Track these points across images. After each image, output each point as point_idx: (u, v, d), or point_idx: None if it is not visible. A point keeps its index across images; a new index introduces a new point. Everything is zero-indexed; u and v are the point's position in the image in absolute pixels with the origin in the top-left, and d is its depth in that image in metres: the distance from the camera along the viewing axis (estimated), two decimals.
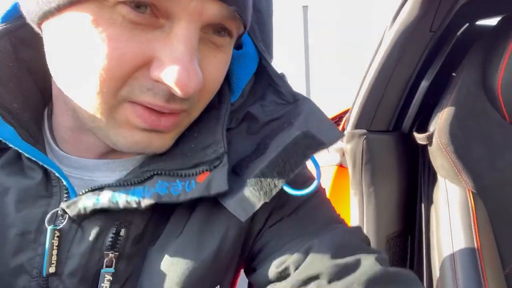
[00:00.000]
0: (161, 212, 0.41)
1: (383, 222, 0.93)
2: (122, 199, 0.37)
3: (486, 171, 0.85)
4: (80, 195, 0.38)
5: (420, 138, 0.87)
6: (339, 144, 0.99)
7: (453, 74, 0.92)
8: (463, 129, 0.86)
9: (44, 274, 0.37)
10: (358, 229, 0.45)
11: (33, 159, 0.38)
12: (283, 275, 0.40)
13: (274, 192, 0.38)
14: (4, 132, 0.37)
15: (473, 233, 0.78)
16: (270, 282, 0.41)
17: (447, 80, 0.92)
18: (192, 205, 0.41)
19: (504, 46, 0.84)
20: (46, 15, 0.34)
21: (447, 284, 0.77)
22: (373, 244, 0.93)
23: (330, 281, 0.37)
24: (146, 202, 0.37)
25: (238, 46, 0.46)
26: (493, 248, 0.80)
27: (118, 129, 0.36)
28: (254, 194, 0.37)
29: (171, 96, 0.34)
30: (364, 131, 0.92)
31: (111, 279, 0.38)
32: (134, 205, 0.37)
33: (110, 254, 0.38)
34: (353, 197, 0.95)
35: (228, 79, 0.45)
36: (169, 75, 0.32)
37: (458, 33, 0.99)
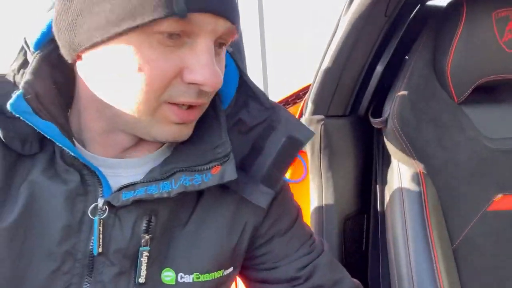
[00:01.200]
0: (184, 203, 0.53)
1: (341, 204, 0.96)
2: (155, 191, 0.48)
3: (435, 152, 0.89)
4: (118, 190, 0.48)
5: (375, 122, 0.89)
6: None
7: (406, 57, 0.94)
8: (415, 112, 0.89)
9: (95, 253, 0.47)
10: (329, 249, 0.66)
11: (72, 160, 0.47)
12: (295, 283, 0.59)
13: (279, 185, 0.55)
14: (52, 131, 0.45)
15: (424, 211, 0.83)
16: (282, 282, 0.59)
17: (401, 64, 0.93)
18: (217, 200, 0.54)
19: (453, 31, 0.87)
20: (94, 45, 0.44)
21: (400, 259, 0.82)
22: (332, 225, 0.96)
23: None
24: (175, 191, 0.48)
25: None
26: (442, 225, 0.85)
27: (158, 125, 0.47)
28: (267, 189, 0.53)
29: (200, 93, 0.46)
30: (322, 116, 0.92)
31: (148, 255, 0.49)
32: (165, 195, 0.48)
33: (146, 236, 0.49)
34: (311, 181, 0.96)
35: (218, 92, 0.56)
36: (201, 77, 0.44)
37: (411, 16, 1.00)
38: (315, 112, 0.92)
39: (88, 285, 0.48)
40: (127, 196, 0.47)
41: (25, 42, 0.50)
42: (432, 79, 0.92)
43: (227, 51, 0.56)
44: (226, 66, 0.55)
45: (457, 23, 0.86)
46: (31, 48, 0.49)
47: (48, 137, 0.45)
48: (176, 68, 0.43)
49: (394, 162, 0.91)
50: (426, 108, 0.90)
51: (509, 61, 0.87)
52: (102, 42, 0.43)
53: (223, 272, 0.55)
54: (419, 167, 0.88)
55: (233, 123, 0.56)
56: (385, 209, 0.92)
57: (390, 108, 0.87)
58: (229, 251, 0.55)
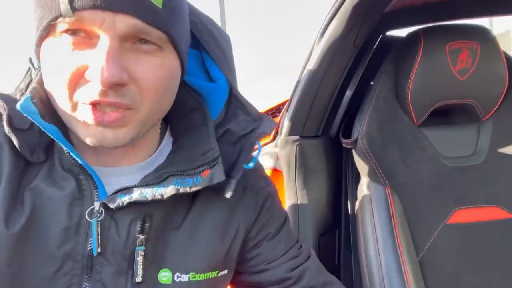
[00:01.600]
0: (178, 207, 0.55)
1: (316, 221, 1.01)
2: (149, 194, 0.50)
3: (400, 170, 0.97)
4: (114, 193, 0.51)
5: (346, 142, 0.95)
6: (273, 150, 1.04)
7: (371, 83, 1.02)
8: (381, 133, 0.96)
9: (95, 254, 0.49)
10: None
11: (70, 165, 0.50)
12: (286, 284, 0.62)
13: (238, 171, 0.56)
14: (56, 133, 0.48)
15: (393, 225, 0.89)
16: (274, 283, 0.63)
17: (367, 89, 1.01)
18: (211, 204, 0.57)
19: (412, 61, 0.96)
20: (36, 52, 0.49)
21: (372, 269, 0.87)
22: (307, 241, 1.00)
23: None
24: (168, 194, 0.50)
25: (212, 80, 0.61)
26: (408, 237, 0.92)
27: (79, 127, 0.47)
28: (231, 179, 0.55)
29: (104, 92, 0.44)
30: (297, 137, 0.98)
31: (143, 254, 0.51)
32: (159, 197, 0.50)
33: (141, 237, 0.51)
34: (287, 199, 1.01)
35: (207, 104, 0.60)
36: (91, 72, 0.44)
37: (375, 45, 1.10)
38: (290, 133, 0.98)
39: (88, 284, 0.50)
40: (123, 199, 0.49)
41: (30, 61, 0.53)
42: (395, 104, 1.00)
43: (217, 67, 0.59)
44: (216, 80, 0.60)
45: (415, 54, 0.96)
46: (35, 66, 0.53)
47: (52, 137, 0.48)
48: (80, 67, 0.44)
49: (364, 179, 0.98)
50: (390, 130, 0.98)
51: (461, 87, 0.98)
52: (37, 46, 0.48)
53: (218, 273, 0.58)
54: (386, 184, 0.95)
55: (222, 133, 0.60)
56: (356, 223, 0.98)
57: (359, 129, 0.94)
58: (223, 253, 0.58)
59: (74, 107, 0.46)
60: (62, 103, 0.47)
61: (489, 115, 1.04)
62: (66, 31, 0.44)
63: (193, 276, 0.55)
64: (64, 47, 0.45)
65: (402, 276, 0.83)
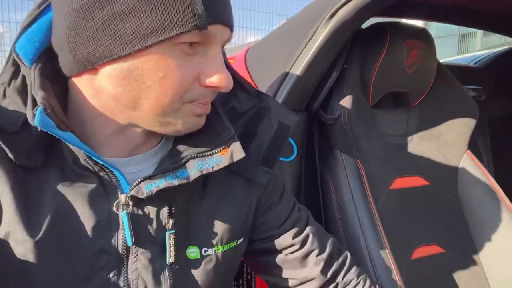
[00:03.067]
0: (194, 187, 0.57)
1: (293, 193, 1.09)
2: (175, 179, 0.52)
3: (364, 145, 1.14)
4: (137, 184, 0.52)
5: (329, 119, 1.05)
6: None
7: (345, 66, 1.14)
8: (355, 112, 1.10)
9: (130, 245, 0.51)
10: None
11: (87, 164, 0.50)
12: (293, 250, 0.68)
13: (275, 164, 0.65)
14: (74, 140, 0.48)
15: (367, 192, 1.05)
16: (282, 249, 0.69)
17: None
18: (225, 180, 0.61)
19: (379, 50, 1.11)
20: (118, 58, 0.46)
21: (354, 229, 1.01)
22: None
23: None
24: (193, 177, 0.53)
25: None
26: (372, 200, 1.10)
27: (182, 119, 0.53)
28: (266, 168, 0.64)
29: (214, 93, 0.54)
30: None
31: (174, 237, 0.54)
32: (185, 181, 0.53)
33: (170, 221, 0.54)
34: None
35: None
36: (218, 81, 0.51)
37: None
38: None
39: (125, 275, 0.51)
40: (150, 188, 0.51)
41: (17, 56, 0.50)
42: (360, 86, 1.15)
43: None
44: None
45: (382, 46, 1.11)
46: (25, 62, 0.50)
47: (72, 145, 0.48)
48: (194, 73, 0.50)
49: (337, 152, 1.10)
50: (359, 110, 1.13)
51: (406, 78, 1.19)
52: (129, 54, 0.46)
53: (237, 242, 0.63)
54: (357, 156, 1.10)
55: (227, 111, 0.64)
56: (328, 188, 1.10)
57: (341, 108, 1.05)
58: (240, 223, 0.63)
59: (178, 107, 0.51)
60: (164, 105, 0.50)
61: (417, 102, 1.29)
62: (189, 42, 0.48)
63: (218, 248, 0.59)
64: (180, 56, 0.48)
65: (376, 228, 1.00)
